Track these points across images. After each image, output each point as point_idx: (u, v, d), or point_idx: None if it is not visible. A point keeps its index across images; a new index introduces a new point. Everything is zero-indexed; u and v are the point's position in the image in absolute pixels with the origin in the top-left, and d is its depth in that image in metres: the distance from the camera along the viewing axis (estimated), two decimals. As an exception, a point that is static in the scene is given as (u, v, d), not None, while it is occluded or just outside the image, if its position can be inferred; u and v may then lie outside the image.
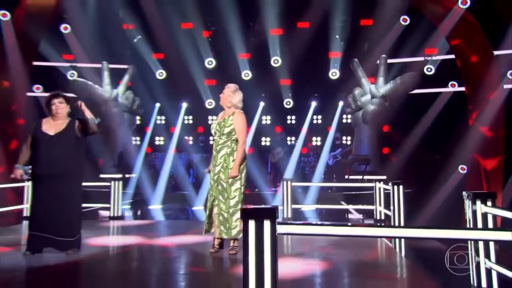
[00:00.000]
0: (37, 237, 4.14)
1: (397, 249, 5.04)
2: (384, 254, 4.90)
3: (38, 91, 10.56)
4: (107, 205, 7.38)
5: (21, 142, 8.80)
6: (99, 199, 7.65)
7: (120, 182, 7.58)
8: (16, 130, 9.31)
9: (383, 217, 6.81)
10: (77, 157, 4.30)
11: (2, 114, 9.10)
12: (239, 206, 4.10)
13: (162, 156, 12.22)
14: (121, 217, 7.43)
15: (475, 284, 3.01)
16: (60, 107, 4.25)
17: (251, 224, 2.23)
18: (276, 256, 2.22)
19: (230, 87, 4.44)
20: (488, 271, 2.93)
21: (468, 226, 3.02)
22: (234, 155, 4.21)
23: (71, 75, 11.21)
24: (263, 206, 2.29)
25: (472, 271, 3.02)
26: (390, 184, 6.05)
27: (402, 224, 5.85)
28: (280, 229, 2.26)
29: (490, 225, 2.93)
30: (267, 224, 2.22)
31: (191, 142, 13.75)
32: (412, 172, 10.27)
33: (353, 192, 9.68)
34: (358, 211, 8.45)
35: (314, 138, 13.52)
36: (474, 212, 2.94)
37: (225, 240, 4.36)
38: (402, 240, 5.41)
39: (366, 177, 10.10)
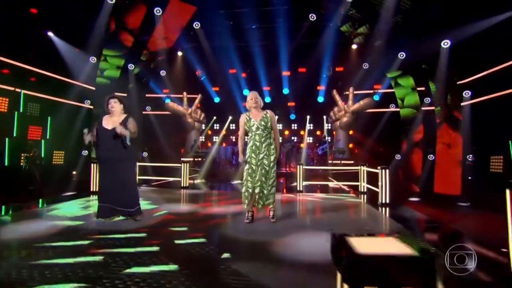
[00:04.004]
0: (104, 207, 4.30)
1: (383, 212, 5.15)
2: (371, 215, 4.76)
3: (148, 110, 13.38)
4: (179, 179, 8.35)
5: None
6: (179, 174, 8.39)
7: (188, 164, 8.41)
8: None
9: (365, 190, 7.41)
10: (128, 145, 4.25)
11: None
12: (275, 183, 4.27)
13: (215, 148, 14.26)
14: (187, 187, 8.20)
15: None
16: (114, 106, 4.36)
17: None
18: None
19: (255, 92, 4.37)
20: None
21: (509, 215, 2.63)
22: (273, 145, 4.25)
23: (167, 100, 14.31)
24: (410, 254, 1.10)
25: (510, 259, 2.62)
26: (379, 168, 6.22)
27: (387, 196, 5.93)
28: None
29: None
30: None
31: (234, 140, 16.16)
32: (367, 158, 11.38)
33: (335, 171, 11.24)
34: (343, 184, 9.15)
35: (308, 138, 15.99)
36: None
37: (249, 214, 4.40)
38: (387, 208, 5.57)
39: (342, 162, 12.73)
